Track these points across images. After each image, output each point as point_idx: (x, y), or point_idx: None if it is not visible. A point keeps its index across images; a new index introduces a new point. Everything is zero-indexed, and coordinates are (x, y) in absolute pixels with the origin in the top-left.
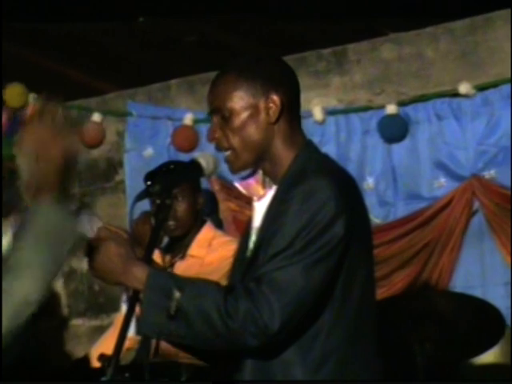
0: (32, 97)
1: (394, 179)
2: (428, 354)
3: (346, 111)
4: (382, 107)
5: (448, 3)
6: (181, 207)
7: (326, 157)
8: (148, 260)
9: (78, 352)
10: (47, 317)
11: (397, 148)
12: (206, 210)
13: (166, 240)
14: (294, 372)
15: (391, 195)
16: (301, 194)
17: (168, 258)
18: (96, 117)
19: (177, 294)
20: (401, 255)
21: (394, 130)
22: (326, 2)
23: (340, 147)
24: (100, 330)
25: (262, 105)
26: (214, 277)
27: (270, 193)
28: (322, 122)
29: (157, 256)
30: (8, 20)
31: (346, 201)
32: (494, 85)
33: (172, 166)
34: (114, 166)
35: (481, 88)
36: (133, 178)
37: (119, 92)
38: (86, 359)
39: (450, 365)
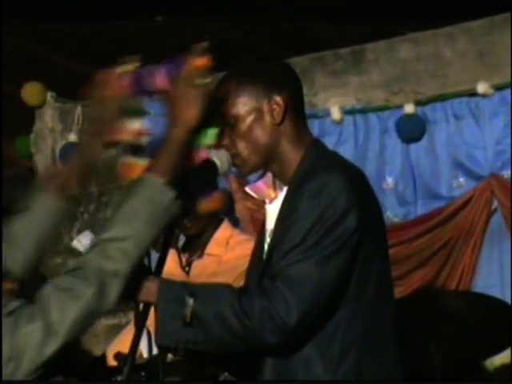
0: (50, 95)
1: (412, 179)
2: (445, 354)
3: (363, 111)
4: (400, 107)
5: (465, 3)
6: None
7: (334, 154)
8: (159, 271)
9: (97, 351)
10: None
11: (415, 147)
12: (223, 209)
13: (182, 239)
14: (314, 368)
15: (410, 195)
16: (311, 189)
17: (185, 256)
18: None
19: (190, 301)
20: (419, 254)
21: (412, 130)
22: (343, 1)
23: (358, 147)
24: (117, 329)
25: (265, 107)
26: (231, 275)
27: (281, 195)
28: (340, 122)
29: (173, 255)
30: (28, 19)
31: (356, 194)
32: None
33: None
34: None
35: (498, 87)
36: None
37: None
38: (103, 358)
39: (467, 365)
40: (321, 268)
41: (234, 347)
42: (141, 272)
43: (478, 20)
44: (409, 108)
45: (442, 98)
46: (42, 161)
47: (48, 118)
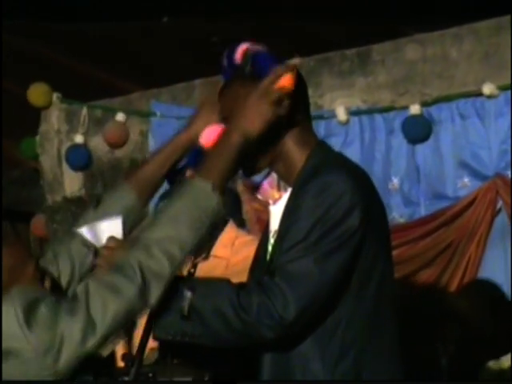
0: (56, 96)
1: (418, 179)
2: (451, 355)
3: (369, 112)
4: (406, 108)
5: (472, 4)
6: None
7: (339, 155)
8: None
9: (105, 351)
10: None
11: (421, 148)
12: (228, 210)
13: None
14: (313, 366)
15: (416, 195)
16: (315, 188)
17: (191, 259)
18: (120, 117)
19: (188, 294)
20: (424, 254)
21: (418, 131)
22: (349, 2)
23: (364, 147)
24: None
25: None
26: (242, 278)
27: (286, 196)
28: (346, 123)
29: None
30: (35, 20)
31: (360, 193)
32: None
33: None
34: (137, 165)
35: (504, 88)
36: None
37: (143, 92)
38: (112, 358)
39: (473, 365)
40: (321, 265)
41: (231, 342)
42: None
43: (484, 21)
44: (415, 109)
45: (447, 99)
46: (47, 162)
47: (54, 119)
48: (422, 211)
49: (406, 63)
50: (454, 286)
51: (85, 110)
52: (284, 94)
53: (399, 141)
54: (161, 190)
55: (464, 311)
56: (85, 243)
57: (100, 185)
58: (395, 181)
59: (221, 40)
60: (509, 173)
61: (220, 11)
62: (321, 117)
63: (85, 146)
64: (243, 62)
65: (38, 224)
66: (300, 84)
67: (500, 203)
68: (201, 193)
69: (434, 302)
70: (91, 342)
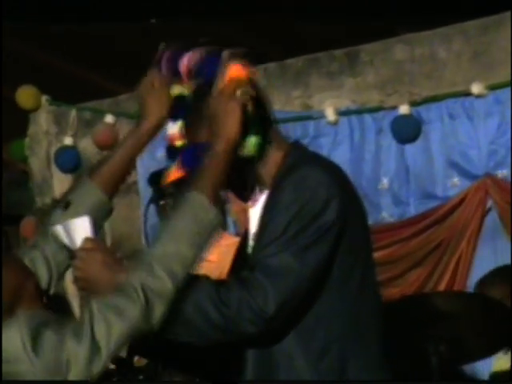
0: (45, 98)
1: (407, 179)
2: (442, 355)
3: (358, 112)
4: (395, 108)
5: (460, 3)
6: None
7: (314, 153)
8: None
9: None
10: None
11: (410, 148)
12: None
13: None
14: (296, 363)
15: (406, 195)
16: (291, 183)
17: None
18: (109, 118)
19: None
20: (415, 254)
21: (407, 131)
22: (338, 3)
23: (353, 148)
24: None
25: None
26: None
27: (263, 197)
28: (335, 123)
29: None
30: (21, 21)
31: (337, 186)
32: (506, 85)
33: None
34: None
35: (493, 88)
36: (146, 180)
37: (132, 93)
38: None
39: (465, 365)
40: (300, 259)
41: (213, 338)
42: None
43: (472, 20)
44: (404, 109)
45: (436, 99)
46: (36, 164)
47: (43, 121)
48: (412, 211)
49: (395, 63)
50: (444, 285)
51: (74, 112)
52: (239, 84)
53: (389, 141)
54: (149, 195)
55: (455, 310)
56: (58, 243)
57: None
58: (385, 181)
59: (209, 41)
60: (498, 172)
61: (208, 12)
62: (310, 117)
63: (74, 147)
64: (193, 78)
65: (28, 226)
66: (255, 86)
67: (490, 202)
68: (199, 207)
69: (424, 301)
70: (96, 366)
